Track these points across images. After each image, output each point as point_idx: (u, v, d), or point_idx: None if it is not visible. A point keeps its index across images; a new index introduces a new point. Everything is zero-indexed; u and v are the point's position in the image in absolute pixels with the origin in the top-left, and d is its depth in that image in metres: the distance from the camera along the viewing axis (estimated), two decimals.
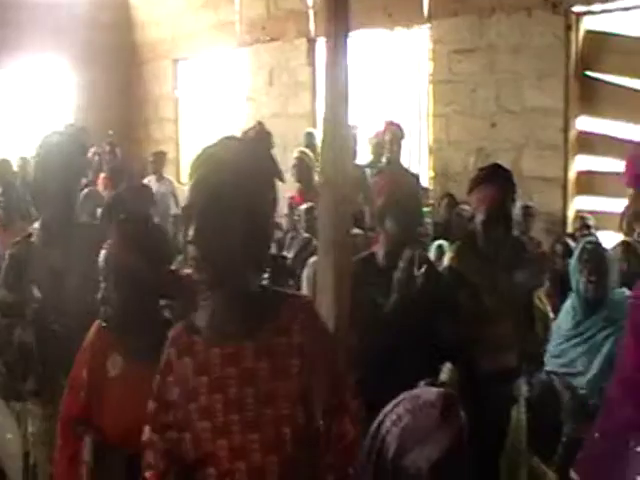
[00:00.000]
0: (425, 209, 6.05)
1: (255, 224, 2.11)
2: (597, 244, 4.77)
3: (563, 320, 4.66)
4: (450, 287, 3.69)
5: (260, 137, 4.14)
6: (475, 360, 3.63)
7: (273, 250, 5.86)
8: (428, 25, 8.91)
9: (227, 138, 2.21)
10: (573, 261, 4.64)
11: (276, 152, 4.64)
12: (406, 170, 5.27)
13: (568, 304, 4.71)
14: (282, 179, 2.36)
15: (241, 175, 2.10)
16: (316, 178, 6.94)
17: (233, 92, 11.45)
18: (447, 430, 2.03)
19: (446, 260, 3.95)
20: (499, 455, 3.68)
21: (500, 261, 3.76)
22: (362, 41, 9.09)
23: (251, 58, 11.04)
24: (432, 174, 8.90)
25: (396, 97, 9.46)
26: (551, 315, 4.70)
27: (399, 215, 3.51)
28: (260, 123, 6.40)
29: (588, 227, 7.00)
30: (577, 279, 4.50)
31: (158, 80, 12.90)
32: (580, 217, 7.33)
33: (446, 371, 3.70)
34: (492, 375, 3.66)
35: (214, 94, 11.86)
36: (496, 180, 3.73)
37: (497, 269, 3.75)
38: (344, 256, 3.06)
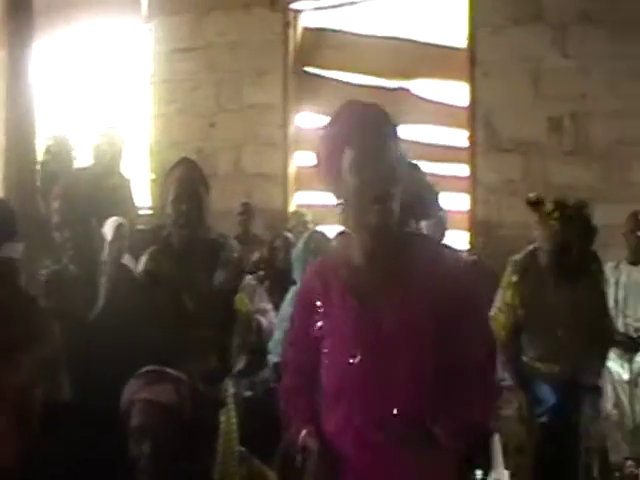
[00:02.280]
0: None
1: None
2: (322, 233, 4.88)
3: (286, 310, 4.61)
4: (146, 290, 3.55)
5: None
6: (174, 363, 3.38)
7: None
8: (148, 24, 8.59)
9: None
10: (298, 251, 4.69)
11: None
12: None
13: (290, 296, 4.76)
14: None
15: None
16: None
17: None
18: None
19: (141, 264, 3.74)
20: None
21: (196, 262, 3.60)
22: (72, 43, 8.61)
23: None
24: (153, 176, 8.52)
25: (116, 99, 9.01)
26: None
27: None
28: None
29: (305, 222, 6.95)
30: (302, 268, 4.48)
31: None
32: (298, 212, 7.27)
33: None
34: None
35: None
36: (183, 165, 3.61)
37: (194, 270, 3.59)
38: None
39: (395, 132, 2.28)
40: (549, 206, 4.30)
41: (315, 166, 2.34)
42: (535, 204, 4.33)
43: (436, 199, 3.89)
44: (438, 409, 2.23)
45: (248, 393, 4.77)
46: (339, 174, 2.23)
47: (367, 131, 2.21)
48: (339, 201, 2.27)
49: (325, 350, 2.33)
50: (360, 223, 2.24)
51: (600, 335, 4.57)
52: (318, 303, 2.34)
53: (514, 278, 4.32)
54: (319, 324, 2.34)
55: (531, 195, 4.39)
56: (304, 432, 2.34)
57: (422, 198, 3.41)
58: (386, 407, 2.23)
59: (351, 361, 2.26)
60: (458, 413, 2.25)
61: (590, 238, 4.32)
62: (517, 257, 4.49)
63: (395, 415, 2.23)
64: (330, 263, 2.40)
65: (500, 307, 4.44)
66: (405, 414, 2.22)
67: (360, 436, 2.27)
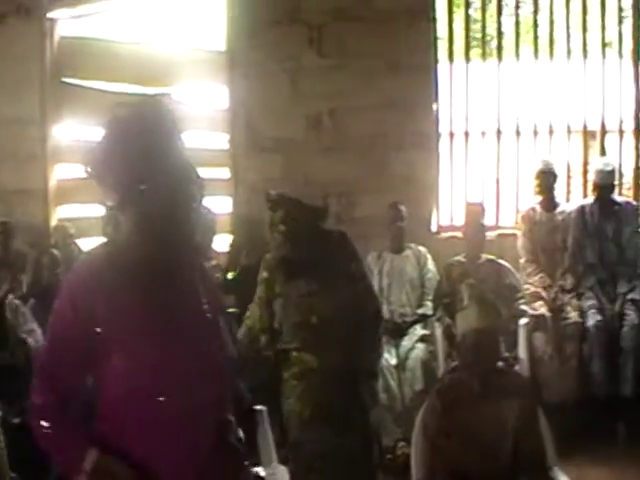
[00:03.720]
0: None
1: None
2: None
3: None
4: None
5: None
6: None
7: None
8: None
9: None
10: None
11: None
12: None
13: None
14: None
15: None
16: None
17: None
18: None
19: None
20: None
21: None
22: None
23: None
24: None
25: None
26: None
27: None
28: None
29: (69, 236, 6.69)
30: None
31: None
32: (60, 226, 6.98)
33: None
34: None
35: None
36: None
37: None
38: None
39: (178, 132, 2.25)
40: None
41: (92, 175, 2.24)
42: (274, 201, 4.21)
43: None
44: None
45: (17, 420, 4.50)
46: (120, 180, 2.18)
47: (150, 133, 2.19)
48: (111, 207, 2.21)
49: (118, 355, 2.19)
50: (144, 228, 2.19)
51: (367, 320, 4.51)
52: (96, 308, 2.19)
53: (264, 274, 4.22)
54: (98, 330, 2.18)
55: (272, 192, 4.27)
56: (90, 456, 2.16)
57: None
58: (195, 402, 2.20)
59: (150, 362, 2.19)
60: None
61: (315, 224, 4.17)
62: (268, 255, 4.36)
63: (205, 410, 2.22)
64: (100, 267, 2.25)
65: (255, 301, 4.34)
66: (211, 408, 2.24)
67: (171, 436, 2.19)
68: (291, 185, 5.77)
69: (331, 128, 6.53)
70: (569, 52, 6.79)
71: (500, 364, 4.32)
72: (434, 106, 6.63)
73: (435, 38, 6.66)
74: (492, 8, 7.31)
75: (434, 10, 6.65)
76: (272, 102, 6.60)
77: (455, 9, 6.97)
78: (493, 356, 3.66)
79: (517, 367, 5.55)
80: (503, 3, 7.03)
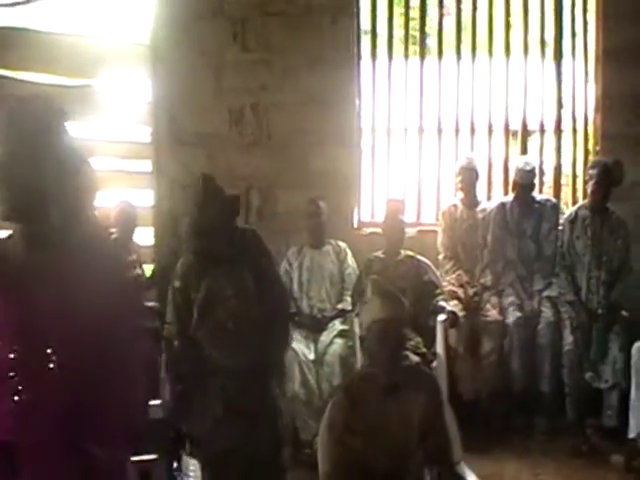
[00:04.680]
0: None
1: None
2: None
3: None
4: None
5: None
6: None
7: None
8: None
9: None
10: None
11: None
12: None
13: None
14: None
15: None
16: None
17: None
18: None
19: None
20: None
21: None
22: None
23: None
24: None
25: None
26: None
27: None
28: None
29: None
30: None
31: None
32: None
33: None
34: None
35: None
36: None
37: None
38: None
39: (62, 125, 2.21)
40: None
41: None
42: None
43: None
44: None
45: None
46: None
47: (24, 125, 2.16)
48: None
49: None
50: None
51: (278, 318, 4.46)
52: None
53: (176, 284, 4.12)
54: None
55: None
56: None
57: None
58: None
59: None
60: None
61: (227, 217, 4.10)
62: (179, 264, 4.23)
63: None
64: None
65: (170, 303, 4.23)
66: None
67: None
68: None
69: (254, 123, 6.50)
70: (491, 51, 6.86)
71: (407, 361, 4.35)
72: (356, 102, 6.62)
73: (359, 34, 6.66)
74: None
75: (358, 6, 6.65)
76: (195, 96, 6.54)
77: (384, 5, 6.94)
78: (397, 347, 3.63)
79: (435, 363, 5.59)
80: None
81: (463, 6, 6.92)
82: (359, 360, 5.52)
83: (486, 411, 5.80)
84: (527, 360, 5.92)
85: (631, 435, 5.50)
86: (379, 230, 6.19)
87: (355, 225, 6.66)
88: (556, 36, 6.86)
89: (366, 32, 6.88)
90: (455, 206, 6.41)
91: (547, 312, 6.01)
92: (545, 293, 6.13)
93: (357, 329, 5.66)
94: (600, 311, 5.98)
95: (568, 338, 5.88)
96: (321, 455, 3.59)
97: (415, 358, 5.46)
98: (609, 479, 5.41)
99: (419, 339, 5.67)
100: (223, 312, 3.97)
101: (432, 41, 7.17)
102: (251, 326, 3.96)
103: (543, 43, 6.94)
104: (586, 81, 6.82)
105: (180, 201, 6.14)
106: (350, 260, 6.09)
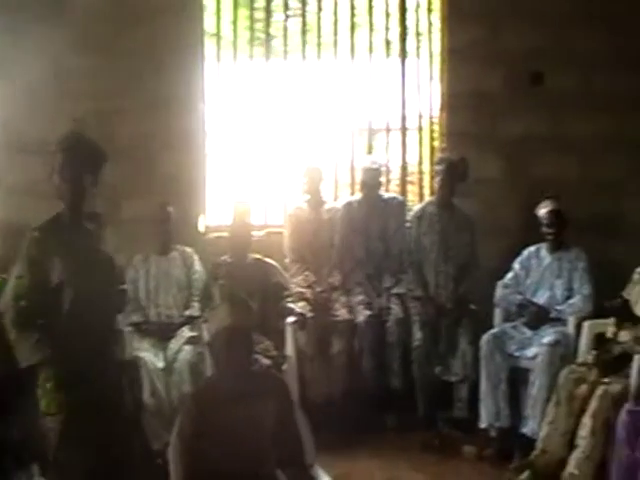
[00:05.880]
0: None
1: None
2: None
3: None
4: None
5: None
6: None
7: None
8: None
9: None
10: None
11: None
12: None
13: None
14: None
15: None
16: None
17: None
18: None
19: None
20: None
21: None
22: None
23: None
24: None
25: None
26: None
27: None
28: None
29: None
30: None
31: None
32: None
33: None
34: None
35: None
36: None
37: None
38: None
39: None
40: None
41: None
42: None
43: None
44: None
45: None
46: None
47: None
48: None
49: None
50: None
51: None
52: None
53: (35, 234, 4.00)
54: None
55: None
56: None
57: None
58: None
59: None
60: None
61: None
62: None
63: None
64: None
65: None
66: None
67: None
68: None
69: (97, 129, 6.33)
70: (336, 52, 6.90)
71: (256, 366, 4.35)
72: (201, 105, 6.56)
73: (203, 37, 6.59)
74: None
75: (202, 8, 6.59)
76: (36, 102, 6.33)
77: (229, 7, 6.90)
78: (246, 353, 3.64)
79: (285, 366, 5.59)
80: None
81: (308, 7, 6.93)
82: (209, 367, 5.46)
83: (338, 412, 5.82)
84: (377, 358, 5.98)
85: (482, 425, 5.66)
86: (226, 234, 6.15)
87: (202, 230, 6.59)
88: (401, 36, 6.95)
89: (210, 34, 6.81)
90: (301, 208, 6.42)
91: (396, 309, 6.08)
92: (394, 290, 6.21)
93: (206, 335, 5.63)
94: (448, 306, 6.11)
95: (417, 334, 5.96)
96: (173, 465, 3.58)
97: (265, 362, 5.46)
98: (462, 470, 5.53)
99: (268, 342, 5.66)
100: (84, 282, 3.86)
101: (277, 42, 7.14)
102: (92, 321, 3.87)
103: (388, 43, 7.02)
104: (431, 80, 6.95)
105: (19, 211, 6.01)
106: (197, 265, 6.02)
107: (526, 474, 5.06)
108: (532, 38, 6.70)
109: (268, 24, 6.92)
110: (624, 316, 5.16)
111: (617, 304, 5.22)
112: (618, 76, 6.75)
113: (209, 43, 6.71)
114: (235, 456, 3.47)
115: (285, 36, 6.92)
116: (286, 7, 6.97)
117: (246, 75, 6.86)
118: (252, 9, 6.99)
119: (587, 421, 4.82)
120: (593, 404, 4.84)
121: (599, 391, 4.86)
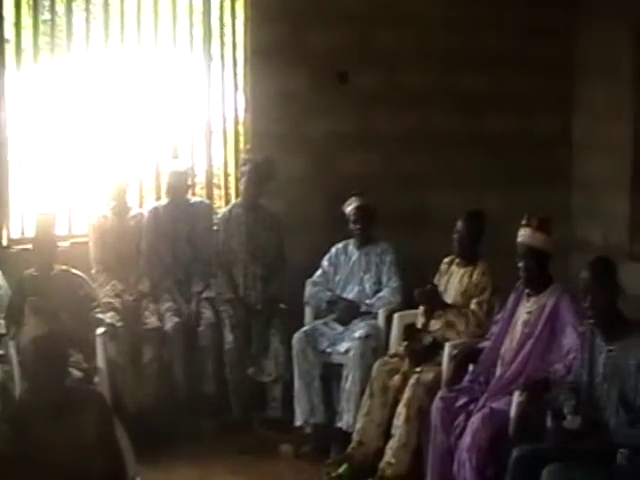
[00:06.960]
0: None
1: None
2: None
3: None
4: None
5: None
6: None
7: None
8: None
9: None
10: None
11: None
12: None
13: None
14: None
15: None
16: None
17: None
18: None
19: None
20: None
21: None
22: None
23: None
24: None
25: None
26: None
27: None
28: None
29: None
30: None
31: None
32: None
33: None
34: None
35: None
36: None
37: None
38: None
39: None
40: None
41: None
42: None
43: None
44: None
45: None
46: None
47: None
48: None
49: None
50: None
51: None
52: None
53: None
54: None
55: None
56: None
57: None
58: None
59: None
60: None
61: None
62: None
63: None
64: None
65: None
66: None
67: None
68: None
69: None
70: (139, 54, 6.77)
71: (69, 379, 4.22)
72: (1, 113, 6.24)
73: (2, 43, 6.29)
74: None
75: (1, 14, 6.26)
76: None
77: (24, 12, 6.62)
78: (58, 366, 3.56)
79: (97, 378, 5.45)
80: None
81: (111, 7, 6.74)
82: (18, 385, 5.23)
83: (152, 421, 5.73)
84: (189, 364, 5.94)
85: (297, 423, 5.75)
86: (30, 246, 5.91)
87: (5, 243, 6.30)
88: (204, 38, 6.89)
89: (8, 41, 6.50)
90: (105, 216, 6.26)
91: (207, 313, 6.07)
92: (204, 294, 6.19)
93: (13, 353, 5.38)
94: (259, 306, 6.16)
95: (228, 337, 5.99)
96: None
97: (78, 374, 5.31)
98: (280, 469, 5.60)
99: (80, 355, 5.50)
100: None
101: (79, 46, 6.86)
102: None
103: (192, 46, 6.94)
104: (235, 82, 6.94)
105: None
106: (1, 281, 5.76)
107: (343, 467, 5.17)
108: (337, 37, 6.79)
109: (70, 27, 6.67)
110: (435, 301, 5.34)
111: (428, 290, 5.38)
112: (422, 73, 6.95)
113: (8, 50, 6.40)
114: (57, 474, 3.39)
115: (87, 38, 6.65)
116: (88, 10, 6.75)
117: (45, 81, 6.59)
118: (53, 12, 6.71)
119: (401, 410, 5.00)
120: (406, 393, 5.02)
121: (412, 380, 5.05)
